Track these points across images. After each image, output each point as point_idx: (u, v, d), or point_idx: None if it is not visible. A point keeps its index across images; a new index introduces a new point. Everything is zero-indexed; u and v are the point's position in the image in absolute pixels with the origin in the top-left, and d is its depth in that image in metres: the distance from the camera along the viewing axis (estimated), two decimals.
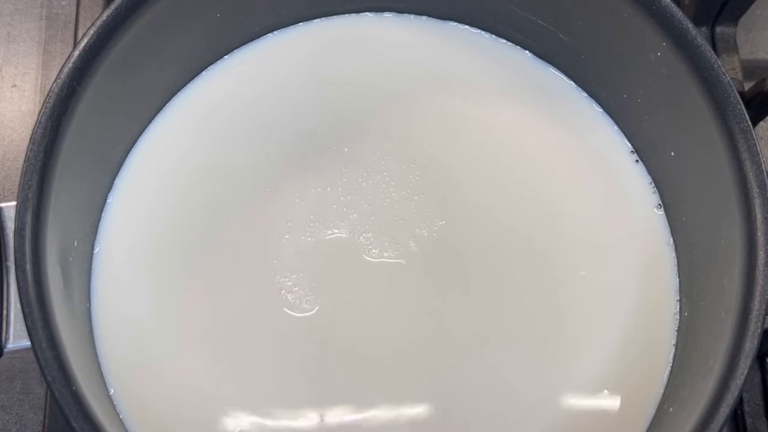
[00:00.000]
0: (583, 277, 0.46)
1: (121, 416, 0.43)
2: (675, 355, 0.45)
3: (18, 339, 0.40)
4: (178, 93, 0.50)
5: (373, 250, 0.46)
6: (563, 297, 0.46)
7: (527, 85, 0.50)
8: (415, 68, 0.51)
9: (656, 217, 0.48)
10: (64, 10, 0.60)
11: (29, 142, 0.39)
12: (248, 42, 0.51)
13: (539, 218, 0.47)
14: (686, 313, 0.45)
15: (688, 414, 0.38)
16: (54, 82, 0.40)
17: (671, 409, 0.42)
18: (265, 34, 0.51)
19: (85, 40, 0.41)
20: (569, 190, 0.48)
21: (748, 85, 0.51)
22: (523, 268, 0.46)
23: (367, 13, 0.52)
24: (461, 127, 0.49)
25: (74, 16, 0.58)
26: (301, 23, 0.51)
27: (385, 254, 0.46)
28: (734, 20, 0.57)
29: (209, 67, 0.50)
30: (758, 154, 0.40)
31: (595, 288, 0.46)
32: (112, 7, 0.41)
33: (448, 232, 0.47)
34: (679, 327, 0.45)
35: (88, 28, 0.41)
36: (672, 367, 0.44)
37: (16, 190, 0.38)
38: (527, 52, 0.51)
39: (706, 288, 0.43)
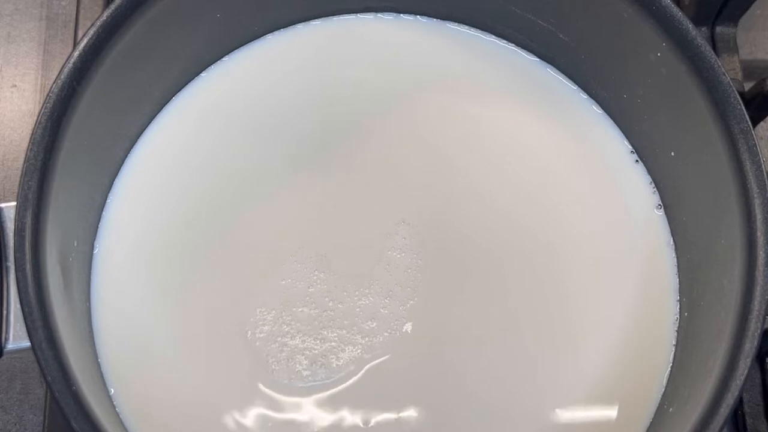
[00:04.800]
0: (582, 278, 0.46)
1: (121, 416, 0.43)
2: (675, 355, 0.45)
3: (18, 339, 0.39)
4: (178, 93, 0.50)
5: (373, 248, 0.46)
6: (563, 297, 0.46)
7: (527, 86, 0.50)
8: (415, 68, 0.51)
9: (656, 218, 0.48)
10: (64, 10, 0.60)
11: (29, 142, 0.39)
12: (248, 42, 0.51)
13: (539, 218, 0.47)
14: (686, 313, 0.45)
15: (688, 414, 0.38)
16: (54, 82, 0.40)
17: (671, 409, 0.42)
18: (265, 34, 0.51)
19: (85, 40, 0.41)
20: (569, 190, 0.48)
21: (748, 86, 0.51)
22: (522, 267, 0.46)
23: (367, 13, 0.52)
24: (461, 127, 0.49)
25: (74, 16, 0.58)
26: (301, 24, 0.51)
27: (386, 252, 0.46)
28: (734, 20, 0.57)
29: (209, 68, 0.50)
30: (758, 154, 0.40)
31: (595, 288, 0.46)
32: (112, 7, 0.41)
33: (446, 231, 0.47)
34: (679, 327, 0.45)
35: (88, 28, 0.41)
36: (672, 367, 0.45)
37: (16, 190, 0.38)
38: (527, 52, 0.51)
39: (706, 288, 0.43)
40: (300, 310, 0.45)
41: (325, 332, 0.45)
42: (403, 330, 0.45)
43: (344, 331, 0.45)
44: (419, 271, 0.46)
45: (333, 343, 0.45)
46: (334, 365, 0.44)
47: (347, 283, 0.46)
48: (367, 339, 0.45)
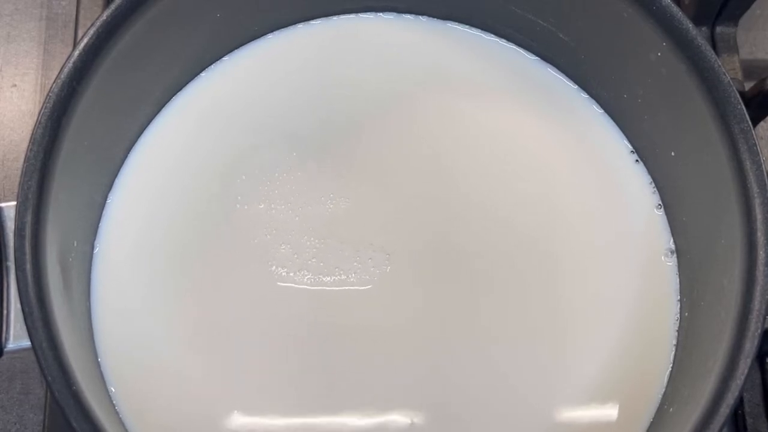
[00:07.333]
0: (583, 278, 0.46)
1: (121, 416, 0.43)
2: (675, 355, 0.45)
3: (18, 339, 0.40)
4: (178, 93, 0.50)
5: (373, 250, 0.46)
6: (563, 297, 0.46)
7: (527, 85, 0.50)
8: (415, 68, 0.51)
9: (656, 218, 0.48)
10: (64, 10, 0.60)
11: (29, 142, 0.39)
12: (248, 42, 0.51)
13: (539, 218, 0.47)
14: (686, 313, 0.45)
15: (688, 414, 0.38)
16: (54, 82, 0.40)
17: (671, 409, 0.42)
18: (265, 34, 0.51)
19: (85, 40, 0.41)
20: (569, 190, 0.48)
21: (748, 85, 0.51)
22: (523, 267, 0.46)
23: (367, 13, 0.52)
24: (461, 127, 0.49)
25: (74, 16, 0.58)
26: (301, 23, 0.51)
27: (387, 255, 0.46)
28: (734, 20, 0.57)
29: (209, 68, 0.50)
30: (758, 154, 0.40)
31: (596, 288, 0.46)
32: (112, 7, 0.41)
33: (447, 232, 0.47)
34: (679, 327, 0.45)
35: (88, 28, 0.41)
36: (672, 367, 0.45)
37: (16, 190, 0.38)
38: (527, 52, 0.51)
39: (706, 288, 0.43)
40: (301, 310, 0.45)
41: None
42: (401, 329, 0.45)
43: (338, 346, 0.45)
44: (419, 269, 0.46)
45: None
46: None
47: (347, 281, 0.46)
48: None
